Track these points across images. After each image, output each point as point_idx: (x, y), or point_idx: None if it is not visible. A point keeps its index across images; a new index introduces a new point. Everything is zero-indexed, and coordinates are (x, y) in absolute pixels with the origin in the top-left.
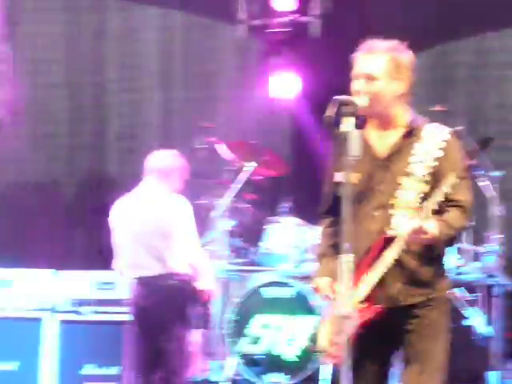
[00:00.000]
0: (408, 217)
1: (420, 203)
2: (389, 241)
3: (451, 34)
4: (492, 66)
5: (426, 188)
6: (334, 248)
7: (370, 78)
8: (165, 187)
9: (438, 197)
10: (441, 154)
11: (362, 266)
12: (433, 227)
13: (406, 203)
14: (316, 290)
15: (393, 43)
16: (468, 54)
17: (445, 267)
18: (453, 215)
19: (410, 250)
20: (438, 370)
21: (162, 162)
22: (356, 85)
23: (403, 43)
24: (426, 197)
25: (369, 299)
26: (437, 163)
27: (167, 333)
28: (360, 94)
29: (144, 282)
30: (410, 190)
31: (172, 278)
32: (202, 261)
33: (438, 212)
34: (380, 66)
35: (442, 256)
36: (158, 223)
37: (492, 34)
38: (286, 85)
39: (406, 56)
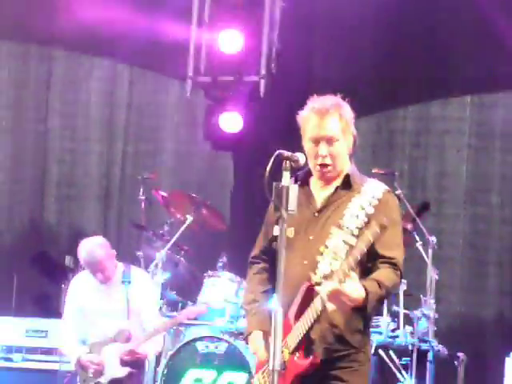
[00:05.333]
0: (330, 271)
1: (346, 254)
2: (314, 289)
3: (395, 101)
4: (433, 133)
5: (354, 241)
6: (265, 295)
7: (331, 141)
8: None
9: (359, 249)
10: (373, 210)
11: (290, 314)
12: (357, 290)
13: (333, 252)
14: (247, 342)
15: (336, 100)
16: (411, 121)
17: (370, 327)
18: (384, 273)
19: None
20: None
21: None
22: (319, 149)
23: (343, 98)
24: (351, 250)
25: (299, 349)
26: (367, 219)
27: None
28: (325, 157)
29: None
30: (338, 239)
31: None
32: None
33: (370, 270)
34: (336, 126)
35: (372, 314)
36: None
37: (435, 102)
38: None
39: (349, 111)
